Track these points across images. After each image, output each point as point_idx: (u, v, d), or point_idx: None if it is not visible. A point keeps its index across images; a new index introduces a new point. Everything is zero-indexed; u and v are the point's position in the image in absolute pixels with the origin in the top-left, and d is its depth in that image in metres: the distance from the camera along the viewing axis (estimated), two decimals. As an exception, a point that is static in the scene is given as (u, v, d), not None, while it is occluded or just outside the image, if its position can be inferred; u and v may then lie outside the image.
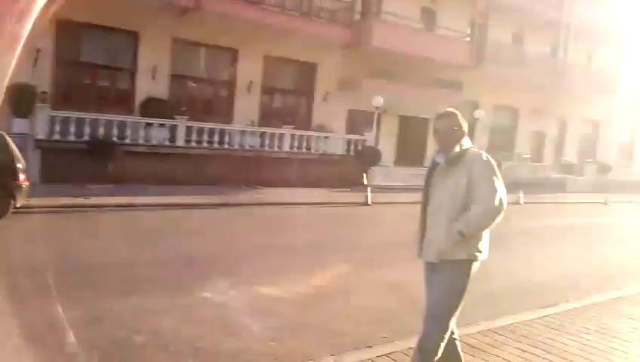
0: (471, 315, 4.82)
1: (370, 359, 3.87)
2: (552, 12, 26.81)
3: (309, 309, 5.16)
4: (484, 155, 3.11)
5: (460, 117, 3.24)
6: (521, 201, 17.42)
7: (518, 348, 4.21)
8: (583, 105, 29.63)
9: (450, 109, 3.33)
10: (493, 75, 24.50)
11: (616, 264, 8.57)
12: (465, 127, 3.25)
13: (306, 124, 20.47)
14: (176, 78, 17.75)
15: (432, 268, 3.17)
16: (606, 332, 4.73)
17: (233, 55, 18.86)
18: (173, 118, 15.97)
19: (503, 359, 3.96)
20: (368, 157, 17.81)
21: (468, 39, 24.65)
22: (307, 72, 20.86)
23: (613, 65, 31.61)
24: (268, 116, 19.75)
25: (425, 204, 3.26)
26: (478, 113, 23.68)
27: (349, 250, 8.34)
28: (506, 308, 5.35)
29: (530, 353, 4.12)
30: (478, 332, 4.50)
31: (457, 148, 3.14)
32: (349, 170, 18.38)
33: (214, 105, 19.15)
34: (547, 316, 5.14)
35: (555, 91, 27.20)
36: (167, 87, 17.34)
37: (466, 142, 3.19)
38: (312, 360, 3.90)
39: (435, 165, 3.28)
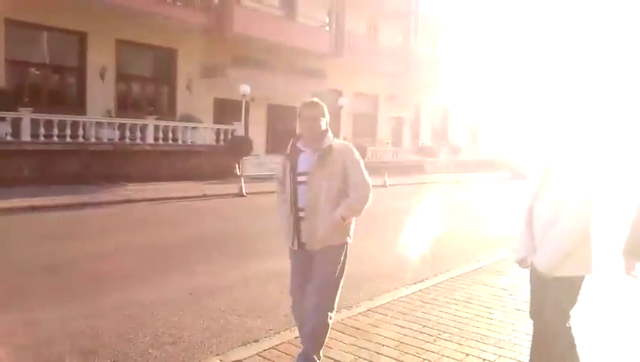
0: (350, 298, 4.96)
1: (257, 354, 3.75)
2: (402, 4, 28.63)
3: (189, 309, 4.86)
4: (350, 145, 3.33)
5: (325, 106, 3.31)
6: (387, 184, 18.51)
7: (397, 325, 4.39)
8: (432, 91, 32.26)
9: (315, 99, 3.36)
10: (353, 63, 25.58)
11: (474, 236, 9.43)
12: (328, 117, 3.32)
13: (171, 114, 19.50)
14: (14, 64, 15.71)
15: (307, 255, 3.25)
16: (472, 301, 5.14)
17: (81, 38, 17.19)
18: (16, 110, 14.11)
19: (385, 337, 4.09)
20: (239, 147, 17.51)
21: (327, 28, 25.34)
22: (167, 58, 19.84)
23: (456, 55, 34.78)
24: (126, 106, 18.45)
25: (295, 194, 3.22)
26: (342, 100, 24.54)
27: (227, 243, 8.10)
28: (384, 287, 5.56)
29: (408, 328, 4.31)
30: (360, 314, 4.61)
31: (327, 138, 3.24)
32: (221, 161, 17.93)
33: (63, 94, 17.39)
34: (420, 291, 5.44)
35: (409, 79, 29.25)
36: (3, 75, 15.28)
37: (329, 132, 3.32)
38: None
39: (297, 152, 3.27)
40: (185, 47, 19.73)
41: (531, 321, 3.11)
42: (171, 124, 17.98)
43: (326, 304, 3.23)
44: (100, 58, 17.42)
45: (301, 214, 3.20)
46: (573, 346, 2.87)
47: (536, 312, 3.04)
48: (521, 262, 3.05)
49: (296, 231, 3.23)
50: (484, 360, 3.73)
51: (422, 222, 11.05)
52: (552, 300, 2.86)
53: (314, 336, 3.26)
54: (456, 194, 18.26)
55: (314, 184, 3.15)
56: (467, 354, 3.81)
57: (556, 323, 2.85)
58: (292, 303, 3.48)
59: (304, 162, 3.21)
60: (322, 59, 24.23)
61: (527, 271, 3.09)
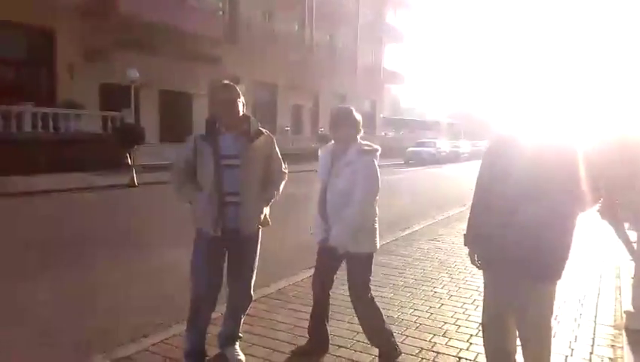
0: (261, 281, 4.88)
1: (144, 349, 3.59)
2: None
3: (69, 310, 4.50)
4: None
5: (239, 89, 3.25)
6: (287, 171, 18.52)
7: (291, 309, 4.42)
8: (330, 80, 32.86)
9: (227, 81, 3.24)
10: (249, 50, 25.22)
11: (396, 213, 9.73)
12: (243, 99, 3.26)
13: (50, 100, 17.91)
14: None
15: (225, 242, 3.16)
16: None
17: None
18: None
19: (279, 322, 4.10)
20: (130, 136, 16.48)
21: (221, 13, 24.71)
22: (43, 39, 18.15)
23: (351, 45, 35.72)
24: (-4, 92, 16.65)
25: (219, 178, 3.05)
26: (240, 88, 24.05)
27: (116, 238, 7.62)
28: (282, 273, 5.55)
29: (303, 312, 4.33)
30: (255, 301, 4.54)
31: (254, 122, 3.24)
32: (110, 151, 16.80)
33: None
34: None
35: (306, 67, 29.51)
36: None
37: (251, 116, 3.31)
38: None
39: (215, 136, 3.11)
40: (64, 27, 18.18)
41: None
42: (52, 111, 16.53)
43: (250, 283, 3.37)
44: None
45: (230, 199, 3.08)
46: (373, 307, 3.37)
47: (320, 284, 3.48)
48: (322, 242, 3.32)
49: (221, 216, 3.08)
50: (373, 336, 3.85)
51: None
52: (350, 273, 3.33)
53: (242, 311, 3.44)
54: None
55: (249, 168, 3.12)
56: (357, 332, 3.91)
57: (357, 289, 3.33)
58: (206, 289, 3.20)
59: (230, 146, 3.10)
60: (217, 44, 23.58)
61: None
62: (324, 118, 34.39)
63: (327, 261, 3.38)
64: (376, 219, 3.30)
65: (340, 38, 35.63)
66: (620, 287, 5.28)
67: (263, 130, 3.28)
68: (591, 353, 3.70)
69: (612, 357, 3.66)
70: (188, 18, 21.29)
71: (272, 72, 28.02)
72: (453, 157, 33.19)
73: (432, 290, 5.05)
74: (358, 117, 3.35)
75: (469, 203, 2.88)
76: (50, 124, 16.19)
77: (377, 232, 3.31)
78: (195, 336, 3.29)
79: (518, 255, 2.56)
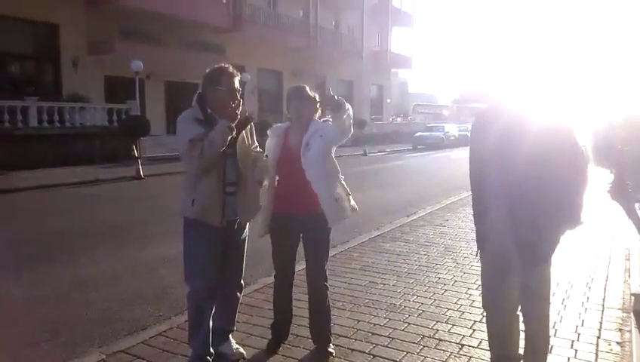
0: (247, 276, 4.83)
1: (142, 342, 3.54)
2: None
3: (70, 302, 4.49)
4: None
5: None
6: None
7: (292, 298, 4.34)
8: (336, 66, 32.57)
9: (227, 66, 3.10)
10: (253, 38, 25.01)
11: (378, 205, 9.65)
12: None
13: (56, 94, 17.93)
14: None
15: (225, 233, 3.04)
16: (368, 269, 5.23)
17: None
18: None
19: (280, 312, 4.02)
20: (135, 128, 16.48)
21: (224, 1, 24.49)
22: (47, 34, 18.14)
23: (357, 30, 35.33)
24: (1, 87, 16.66)
25: (223, 167, 2.97)
26: (245, 77, 24.01)
27: (119, 229, 7.61)
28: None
29: (304, 300, 4.26)
30: (255, 291, 4.52)
31: (244, 109, 3.13)
32: (116, 143, 16.84)
33: None
34: (317, 262, 5.43)
35: (312, 54, 29.25)
36: None
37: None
38: (76, 357, 3.38)
39: (214, 123, 2.95)
40: (67, 21, 18.12)
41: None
42: (57, 105, 16.54)
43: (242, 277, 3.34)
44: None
45: (231, 189, 3.00)
46: (325, 297, 3.41)
47: (283, 267, 3.45)
48: (261, 233, 3.34)
49: (224, 207, 2.98)
50: (374, 324, 3.79)
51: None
52: (313, 254, 3.35)
53: (236, 296, 3.35)
54: (362, 166, 18.69)
55: (245, 156, 3.07)
56: (358, 321, 3.85)
57: (320, 279, 3.36)
58: (211, 286, 3.07)
59: None
60: (221, 33, 23.43)
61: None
62: (331, 105, 34.28)
63: (285, 251, 3.37)
64: (344, 186, 3.35)
65: (345, 23, 35.25)
66: (629, 269, 5.16)
67: (249, 117, 3.17)
68: (598, 337, 3.60)
69: (620, 340, 3.56)
70: (192, 7, 21.12)
71: (277, 60, 27.83)
72: (464, 141, 32.88)
73: (436, 276, 4.97)
74: (315, 95, 3.28)
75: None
76: (56, 117, 16.22)
77: (347, 201, 3.32)
78: (203, 340, 3.07)
79: (501, 237, 2.56)
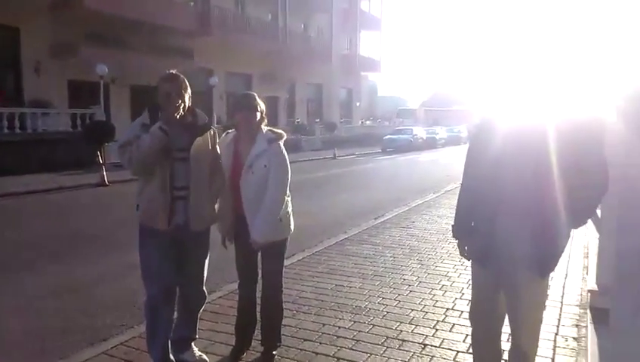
0: (213, 282, 4.79)
1: (103, 352, 3.48)
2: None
3: (29, 314, 4.36)
4: None
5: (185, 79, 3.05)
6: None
7: (258, 304, 4.31)
8: (306, 69, 32.63)
9: (174, 71, 3.05)
10: (222, 41, 24.84)
11: (346, 208, 9.71)
12: (189, 90, 3.10)
13: (17, 100, 17.41)
14: None
15: (174, 238, 3.01)
16: (334, 272, 5.25)
17: None
18: None
19: (246, 318, 3.99)
20: (100, 133, 16.12)
21: (192, 4, 24.27)
22: (7, 38, 17.57)
23: (326, 33, 35.49)
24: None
25: (171, 171, 2.94)
26: (213, 80, 23.85)
27: (83, 238, 7.43)
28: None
29: (270, 305, 4.26)
30: (220, 297, 4.48)
31: (202, 114, 3.16)
32: (79, 149, 16.41)
33: None
34: (285, 267, 5.39)
35: (281, 57, 29.23)
36: None
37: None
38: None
39: (156, 128, 2.91)
40: (28, 25, 17.63)
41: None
42: (18, 110, 16.07)
43: (204, 284, 3.27)
44: None
45: (181, 193, 2.96)
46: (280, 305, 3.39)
47: (246, 271, 3.36)
48: (224, 241, 3.29)
49: (172, 211, 2.96)
50: (339, 327, 3.81)
51: (296, 199, 11.12)
52: (266, 266, 3.26)
53: (198, 317, 3.36)
54: (332, 169, 18.76)
55: (200, 161, 3.01)
56: (324, 324, 3.86)
57: (272, 277, 3.28)
58: (165, 291, 3.02)
59: (178, 137, 2.96)
60: (189, 36, 23.19)
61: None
62: (300, 109, 34.28)
63: (247, 257, 3.29)
64: (290, 203, 3.28)
65: (314, 26, 35.37)
66: (587, 267, 5.33)
67: (212, 126, 3.17)
68: (556, 334, 3.71)
69: (576, 336, 3.67)
70: (159, 11, 20.82)
71: (246, 63, 27.69)
72: (431, 144, 33.36)
73: (401, 278, 5.03)
74: (262, 103, 3.19)
75: (445, 189, 2.84)
76: (17, 123, 15.74)
77: (292, 216, 3.30)
78: (162, 348, 3.05)
79: (511, 247, 2.37)
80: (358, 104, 42.99)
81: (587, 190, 2.29)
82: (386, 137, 30.96)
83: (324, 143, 29.47)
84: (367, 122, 42.23)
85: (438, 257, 5.76)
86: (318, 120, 33.90)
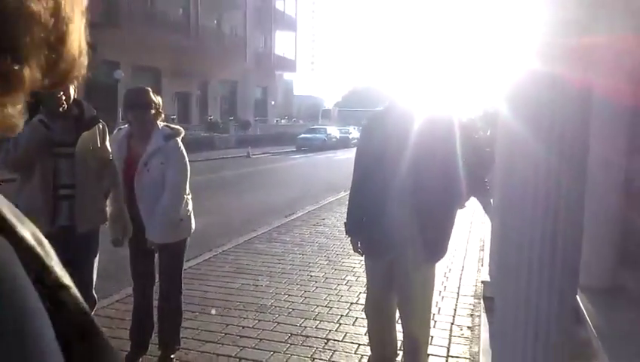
0: (110, 287, 4.52)
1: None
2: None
3: None
4: None
5: None
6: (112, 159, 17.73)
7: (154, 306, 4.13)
8: (219, 66, 31.98)
9: None
10: (130, 34, 23.67)
11: (258, 207, 9.58)
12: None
13: None
14: None
15: (64, 239, 2.71)
16: (241, 271, 5.16)
17: None
18: None
19: (145, 321, 3.80)
20: None
21: (97, -6, 22.91)
22: None
23: (240, 30, 35.03)
24: None
25: (53, 168, 2.73)
26: (118, 74, 22.69)
27: None
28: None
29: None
30: (117, 301, 4.23)
31: (89, 107, 2.95)
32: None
33: None
34: (190, 268, 5.23)
35: (192, 53, 28.39)
36: None
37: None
38: None
39: (35, 121, 2.71)
40: None
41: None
42: None
43: (93, 288, 3.03)
44: None
45: (65, 192, 2.74)
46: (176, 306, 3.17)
47: (142, 273, 3.17)
48: (115, 242, 3.07)
49: (56, 211, 2.72)
50: (243, 327, 3.73)
51: (209, 197, 10.84)
52: (165, 267, 3.07)
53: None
54: (245, 168, 18.52)
55: (87, 158, 2.80)
56: (227, 325, 3.77)
57: (171, 277, 3.09)
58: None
59: (62, 131, 2.73)
60: (93, 28, 21.42)
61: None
62: (213, 106, 33.51)
63: (143, 258, 3.13)
64: (190, 201, 3.13)
65: (227, 23, 34.73)
66: (482, 259, 5.66)
67: (100, 120, 2.97)
68: (452, 323, 3.89)
69: (470, 325, 3.88)
70: None
71: (156, 57, 26.57)
72: (345, 143, 34.07)
73: (308, 275, 5.04)
74: (157, 99, 3.05)
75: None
76: None
77: (192, 215, 3.14)
78: None
79: (398, 238, 2.50)
80: (273, 103, 42.89)
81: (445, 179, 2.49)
82: (301, 136, 31.16)
83: (238, 141, 29.03)
84: (283, 121, 42.29)
85: (346, 253, 5.85)
86: (232, 118, 33.35)
